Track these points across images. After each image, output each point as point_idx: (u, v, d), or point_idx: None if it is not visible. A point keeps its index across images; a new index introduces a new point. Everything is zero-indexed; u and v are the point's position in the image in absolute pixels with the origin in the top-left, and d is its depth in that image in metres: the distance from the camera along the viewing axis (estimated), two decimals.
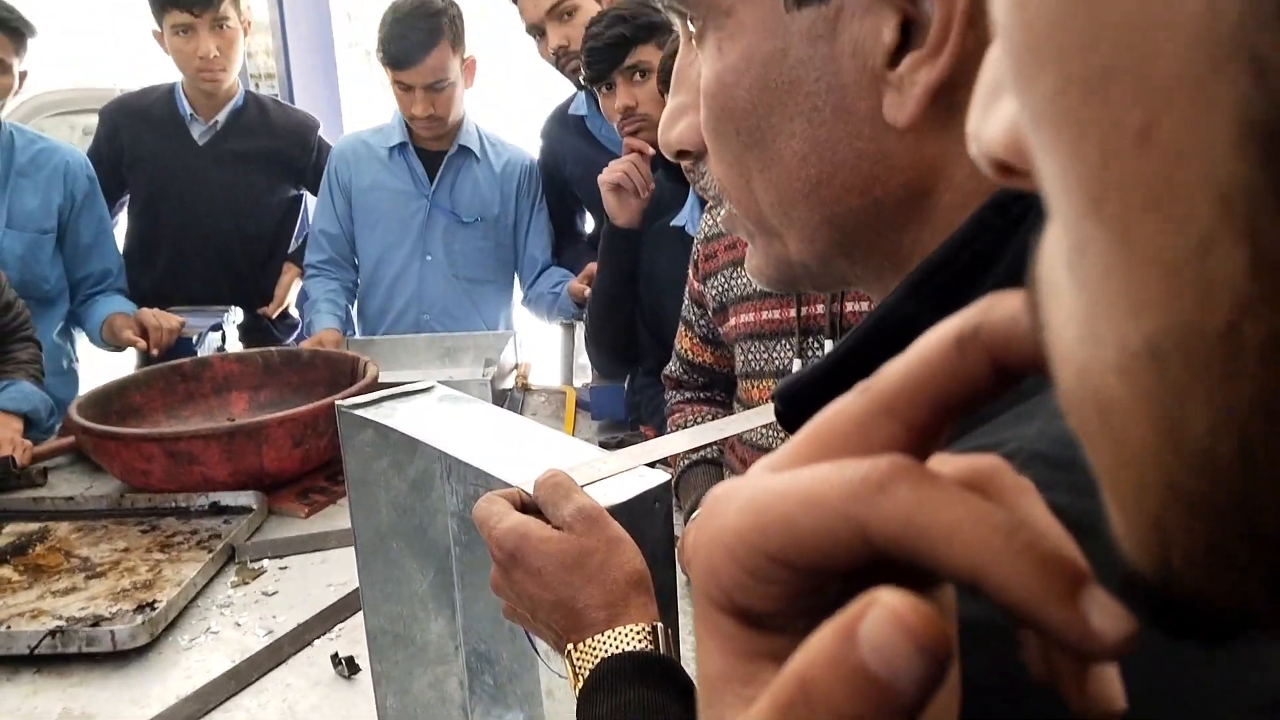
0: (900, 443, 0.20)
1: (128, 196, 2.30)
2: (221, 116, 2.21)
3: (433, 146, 2.14)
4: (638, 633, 0.56)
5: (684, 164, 0.49)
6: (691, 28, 0.43)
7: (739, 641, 0.21)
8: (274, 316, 2.28)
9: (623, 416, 1.81)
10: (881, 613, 0.17)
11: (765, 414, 0.77)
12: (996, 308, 0.19)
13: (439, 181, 2.14)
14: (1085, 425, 0.16)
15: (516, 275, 2.26)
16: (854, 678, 0.17)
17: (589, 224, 2.28)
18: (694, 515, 1.33)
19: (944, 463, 0.22)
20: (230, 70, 2.16)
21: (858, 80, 0.38)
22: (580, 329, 2.09)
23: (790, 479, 0.20)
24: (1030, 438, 0.31)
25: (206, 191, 2.22)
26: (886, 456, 0.19)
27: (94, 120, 2.35)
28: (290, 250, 2.33)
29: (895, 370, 0.21)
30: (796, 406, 0.42)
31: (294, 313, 2.40)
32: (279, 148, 2.27)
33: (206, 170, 2.21)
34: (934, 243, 0.39)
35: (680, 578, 0.85)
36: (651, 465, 0.75)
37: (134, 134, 2.22)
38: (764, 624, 0.21)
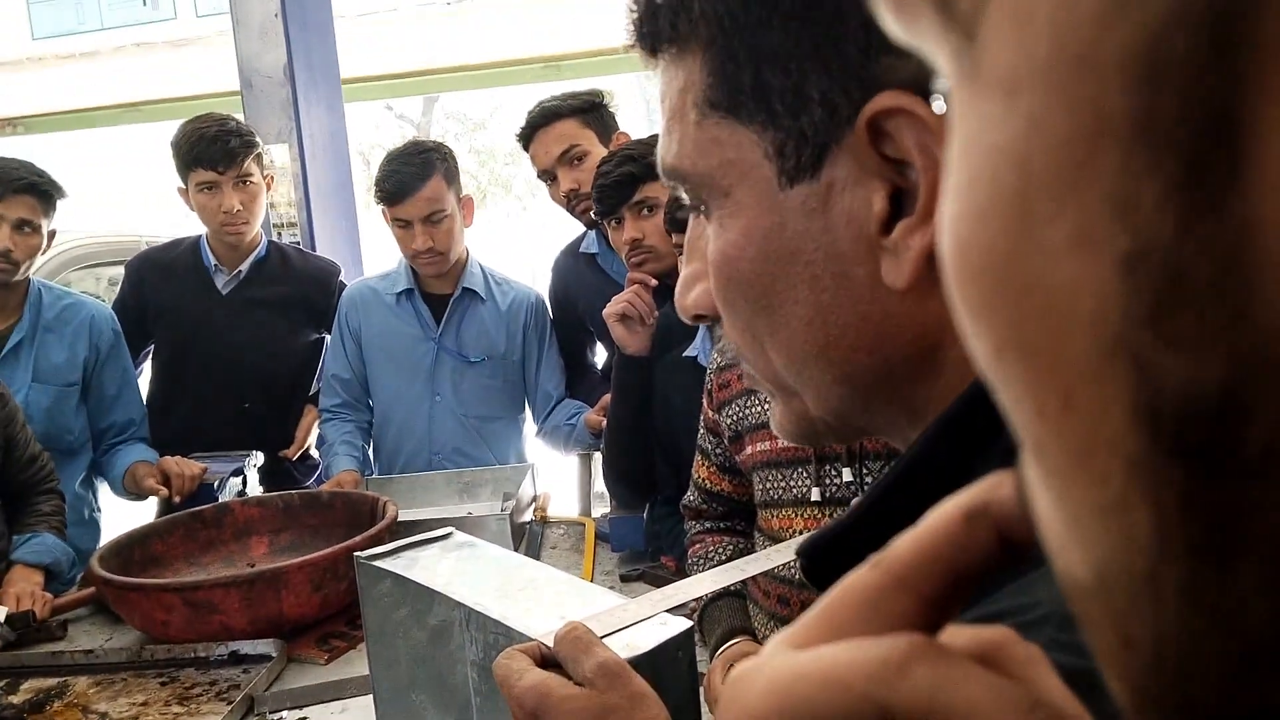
0: (913, 616, 0.21)
1: (152, 346, 2.35)
2: (245, 266, 2.28)
3: (438, 290, 2.20)
4: None
5: (702, 324, 0.51)
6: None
7: None
8: (295, 458, 2.30)
9: (643, 547, 1.80)
10: None
11: (785, 552, 0.77)
12: (1003, 485, 0.20)
13: (445, 324, 2.19)
14: (1073, 608, 0.17)
15: (530, 409, 2.28)
16: None
17: (600, 357, 2.31)
18: (719, 651, 1.31)
19: (955, 634, 0.22)
20: (253, 223, 2.24)
21: (854, 248, 0.40)
22: (597, 459, 2.10)
23: (810, 659, 0.21)
24: (1043, 600, 0.31)
25: (230, 338, 2.26)
26: (904, 636, 0.20)
27: (119, 272, 2.42)
28: (311, 392, 2.37)
29: (906, 544, 0.21)
30: (821, 560, 0.43)
31: (315, 454, 2.41)
32: (301, 293, 2.33)
33: (230, 318, 2.27)
34: (948, 395, 0.40)
35: (706, 717, 0.83)
36: (673, 610, 0.74)
37: (159, 286, 2.28)
38: None
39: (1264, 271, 0.12)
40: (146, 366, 2.38)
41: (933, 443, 0.39)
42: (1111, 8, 0.13)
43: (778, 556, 0.74)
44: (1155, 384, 0.13)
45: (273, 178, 2.28)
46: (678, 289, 0.50)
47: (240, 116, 2.45)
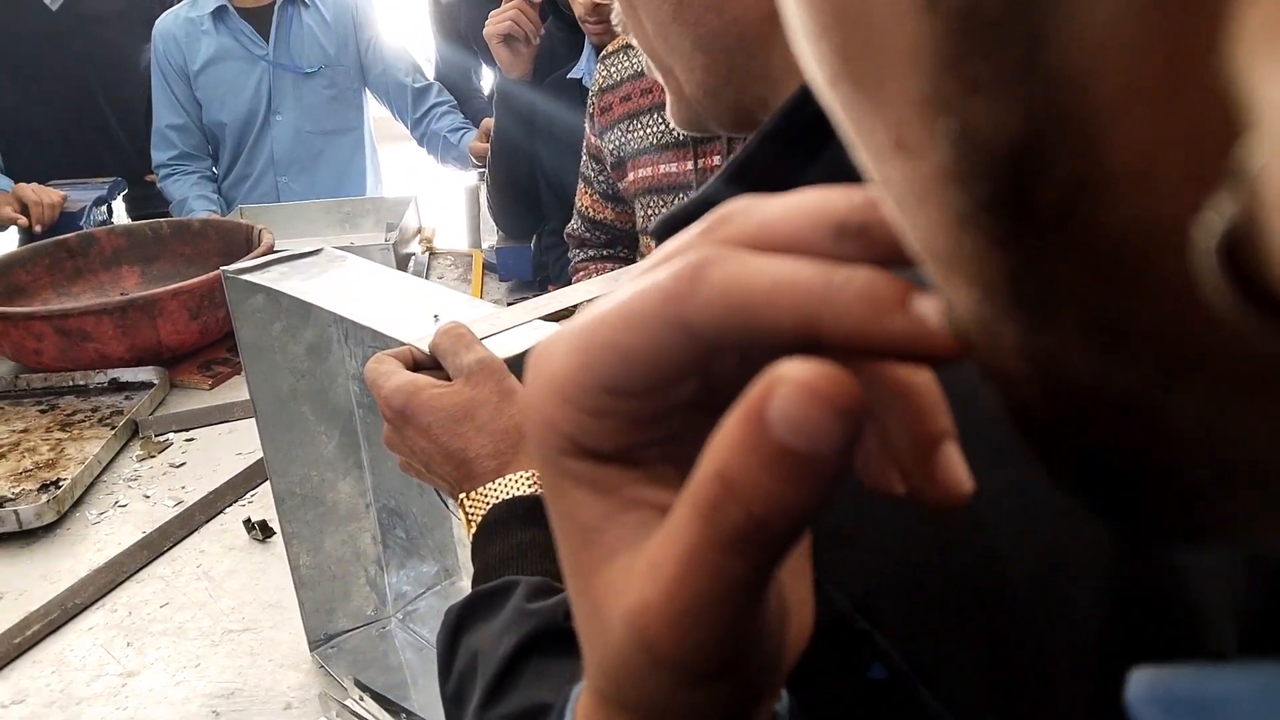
0: None
1: None
2: None
3: (254, 3, 2.04)
4: (527, 478, 0.58)
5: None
6: None
7: (602, 478, 0.20)
8: (160, 183, 2.20)
9: (530, 276, 1.81)
10: (789, 389, 0.16)
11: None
12: (878, 207, 0.18)
13: (274, 38, 2.06)
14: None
15: (391, 110, 2.21)
16: (776, 460, 0.16)
17: (487, 81, 2.22)
18: None
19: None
20: None
21: None
22: (484, 190, 2.06)
23: (608, 302, 0.19)
24: None
25: (71, 62, 2.10)
26: (695, 249, 0.19)
27: None
28: None
29: (753, 222, 0.19)
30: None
31: None
32: (137, 3, 2.14)
33: (66, 37, 2.09)
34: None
35: None
36: (553, 318, 0.75)
37: None
38: (621, 459, 0.20)
39: (1054, 9, 0.11)
40: None
41: (771, 136, 0.39)
42: None
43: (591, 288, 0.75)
44: (965, 131, 0.12)
45: None
46: None
47: None
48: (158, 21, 2.08)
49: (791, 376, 0.16)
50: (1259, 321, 0.10)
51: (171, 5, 2.18)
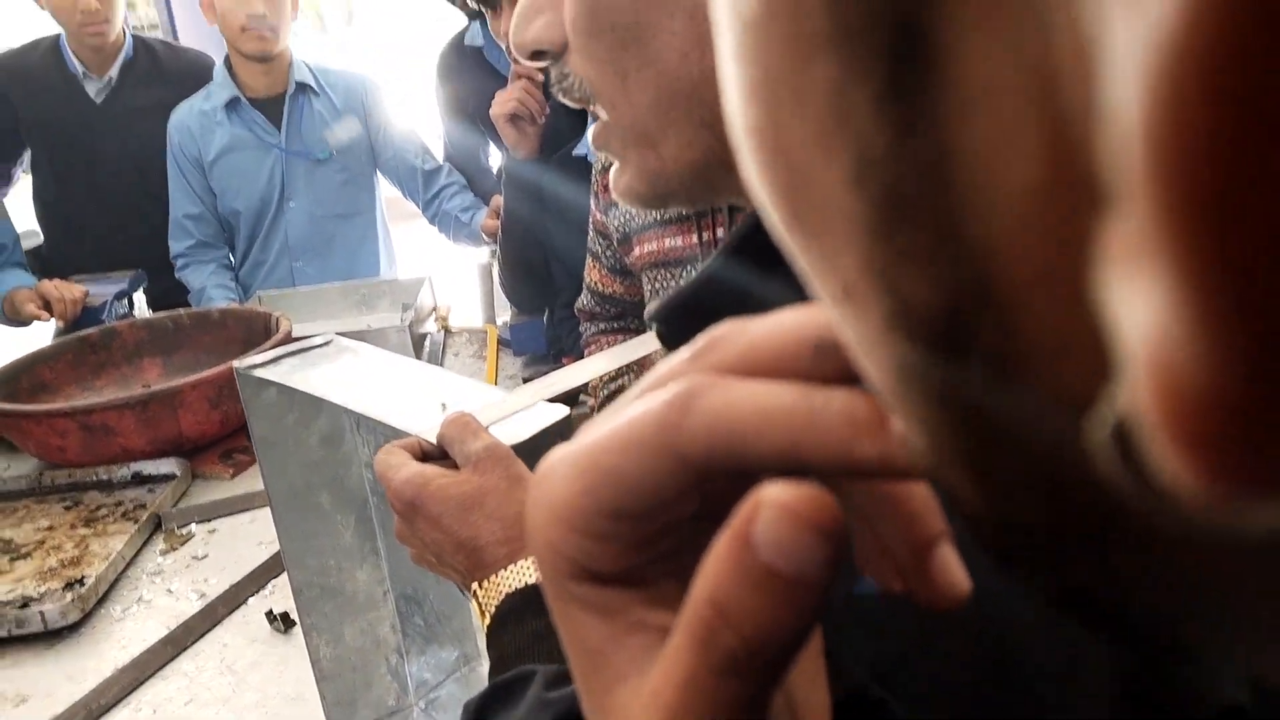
0: None
1: (28, 156, 2.20)
2: (115, 71, 2.13)
3: (265, 92, 2.10)
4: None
5: (540, 64, 0.47)
6: None
7: (606, 601, 0.21)
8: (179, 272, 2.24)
9: (544, 350, 1.82)
10: (771, 512, 0.17)
11: (651, 342, 0.79)
12: None
13: (286, 126, 2.11)
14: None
15: (402, 191, 2.25)
16: (764, 582, 0.17)
17: (495, 159, 2.26)
18: None
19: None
20: (114, 20, 2.07)
21: None
22: (496, 267, 2.09)
23: (606, 429, 0.20)
24: None
25: (110, 152, 2.14)
26: (685, 376, 0.19)
27: None
28: None
29: (738, 347, 0.20)
30: (675, 325, 0.43)
31: None
32: (178, 94, 2.18)
33: (108, 130, 2.13)
34: None
35: None
36: (561, 399, 0.76)
37: (26, 95, 2.12)
38: (624, 580, 0.21)
39: (965, 195, 0.11)
40: (25, 183, 2.24)
41: (748, 232, 0.39)
42: None
43: (653, 342, 0.76)
44: (898, 296, 0.13)
45: None
46: (514, 21, 0.45)
47: None
48: (173, 114, 2.12)
49: (774, 500, 0.17)
50: (1151, 502, 0.10)
51: None
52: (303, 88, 2.11)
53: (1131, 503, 0.11)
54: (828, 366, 0.19)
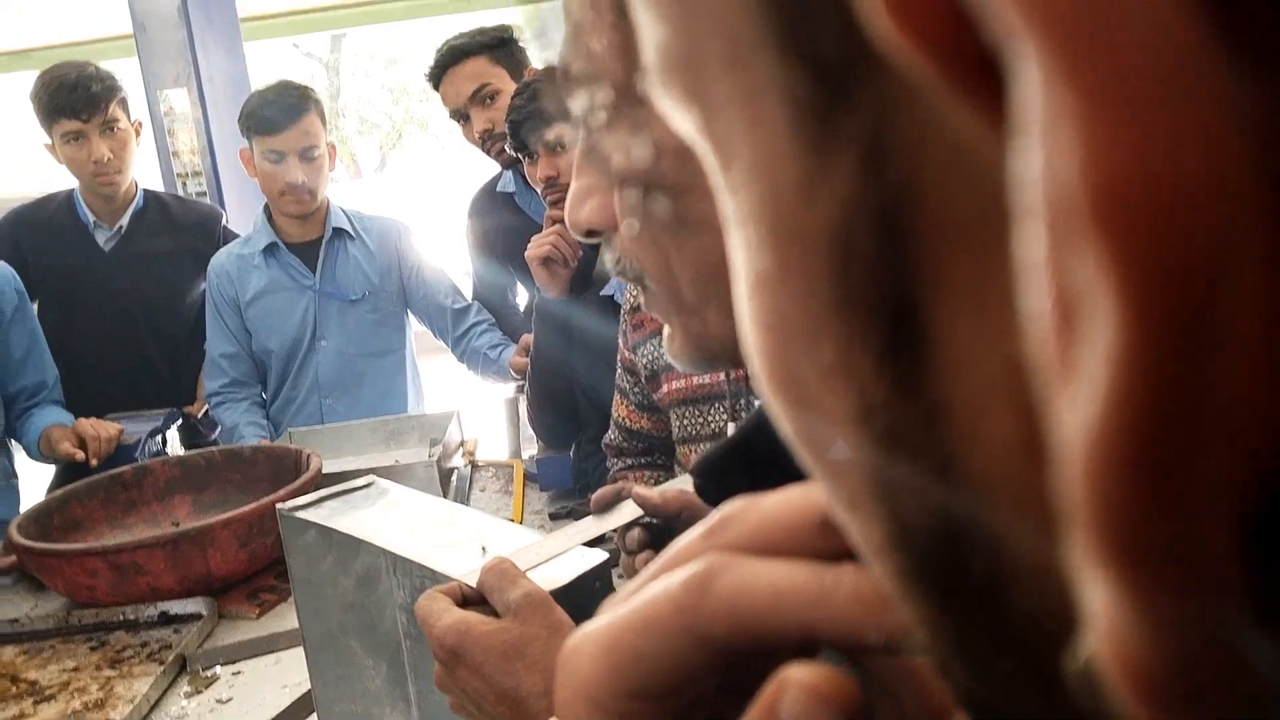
0: None
1: (37, 304, 2.29)
2: (125, 220, 2.24)
3: (300, 238, 2.19)
4: None
5: (593, 241, 0.50)
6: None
7: None
8: (200, 415, 2.29)
9: (571, 485, 1.83)
10: (795, 692, 0.18)
11: (686, 483, 0.80)
12: None
13: (321, 270, 2.19)
14: None
15: (432, 330, 2.31)
16: None
17: (522, 298, 2.32)
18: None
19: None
20: (126, 172, 2.19)
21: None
22: (523, 402, 2.12)
23: (627, 609, 0.21)
24: None
25: (119, 297, 2.23)
26: (701, 558, 0.20)
27: None
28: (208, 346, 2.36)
29: (751, 525, 0.21)
30: (714, 479, 0.45)
31: None
32: (188, 244, 2.29)
33: (117, 275, 2.23)
34: None
35: None
36: (594, 543, 0.77)
37: (37, 246, 2.22)
38: None
39: (957, 440, 0.13)
40: None
41: None
42: (808, 188, 0.13)
43: (685, 484, 0.77)
44: (899, 518, 0.14)
45: (140, 124, 2.24)
46: (569, 203, 0.49)
47: (135, 61, 2.36)
48: (213, 259, 2.22)
49: (797, 680, 0.18)
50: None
51: (216, 241, 2.33)
52: (339, 233, 2.20)
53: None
54: (834, 541, 0.20)
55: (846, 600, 0.19)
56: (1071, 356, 0.09)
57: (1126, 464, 0.09)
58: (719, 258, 0.43)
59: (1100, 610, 0.10)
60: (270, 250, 2.17)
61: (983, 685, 0.16)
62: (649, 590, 0.21)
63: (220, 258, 2.21)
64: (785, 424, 0.17)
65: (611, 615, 0.21)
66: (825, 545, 0.20)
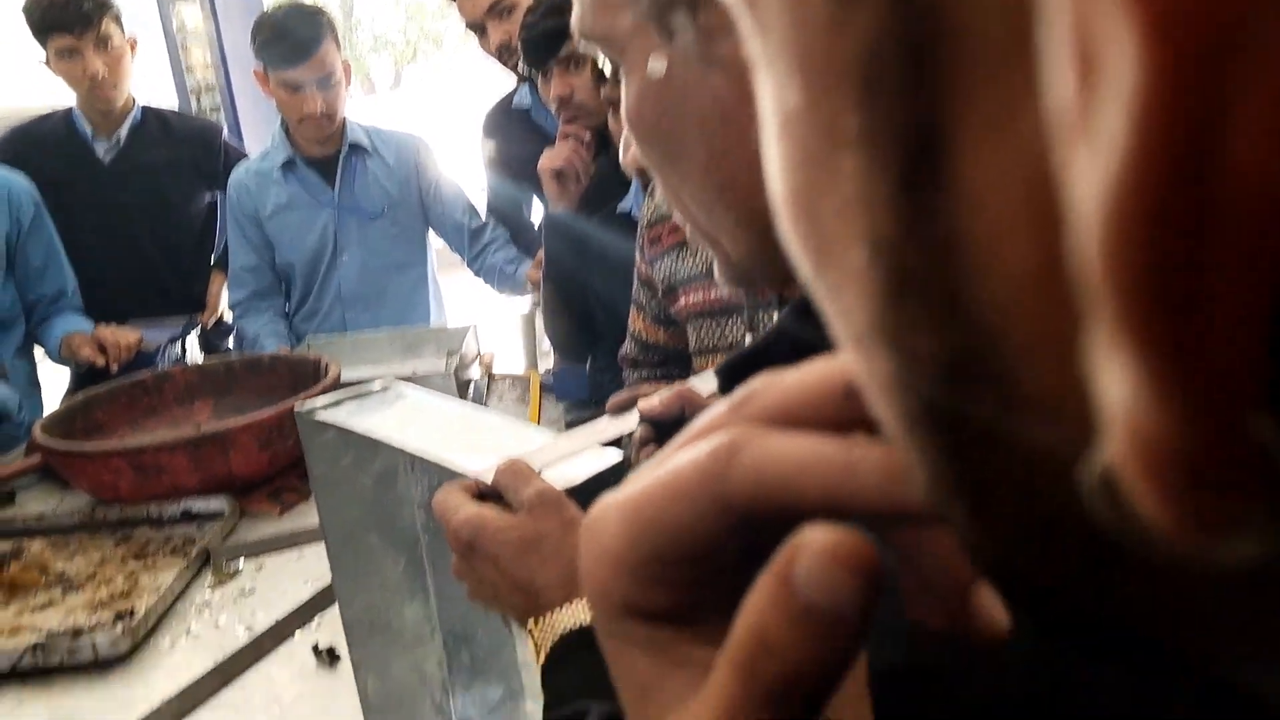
0: None
1: None
2: (123, 132, 2.25)
3: (319, 153, 2.18)
4: None
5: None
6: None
7: (655, 639, 0.22)
8: (210, 325, 2.32)
9: (586, 397, 1.85)
10: (810, 553, 0.18)
11: (707, 381, 0.81)
12: None
13: (340, 184, 2.19)
14: None
15: (449, 245, 2.32)
16: (804, 618, 0.18)
17: (536, 214, 2.31)
18: None
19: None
20: (122, 86, 2.20)
21: (735, 91, 0.41)
22: (540, 314, 2.13)
23: (652, 479, 0.21)
24: None
25: (121, 209, 2.24)
26: (728, 429, 0.21)
27: None
28: (214, 257, 2.38)
29: (774, 393, 0.22)
30: (738, 383, 0.46)
31: (229, 317, 2.43)
32: (188, 155, 2.30)
33: (116, 188, 2.24)
34: None
35: None
36: (609, 444, 0.78)
37: (39, 161, 2.23)
38: (672, 618, 0.22)
39: (969, 276, 0.13)
40: None
41: None
42: (838, 16, 0.13)
43: (702, 384, 0.78)
44: (906, 355, 0.15)
45: (135, 41, 2.23)
46: (621, 145, 0.52)
47: None
48: (232, 174, 2.23)
49: (813, 542, 0.18)
50: (1138, 540, 0.12)
51: (216, 154, 2.34)
52: (356, 148, 2.19)
53: (1120, 539, 0.12)
54: (858, 409, 0.20)
55: (874, 472, 0.19)
56: (1091, 113, 0.09)
57: (1145, 218, 0.09)
58: (708, 190, 0.45)
59: (1120, 402, 0.10)
60: (288, 166, 2.17)
61: (985, 526, 0.16)
62: (674, 460, 0.21)
63: (239, 173, 2.22)
64: (804, 267, 0.18)
65: (635, 484, 0.22)
66: (850, 412, 0.20)
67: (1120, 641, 0.16)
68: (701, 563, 0.21)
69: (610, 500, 0.22)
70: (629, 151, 0.50)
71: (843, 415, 0.21)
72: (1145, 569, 0.13)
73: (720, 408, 0.23)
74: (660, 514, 0.21)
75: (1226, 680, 0.16)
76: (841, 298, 0.16)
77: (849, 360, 0.20)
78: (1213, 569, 0.11)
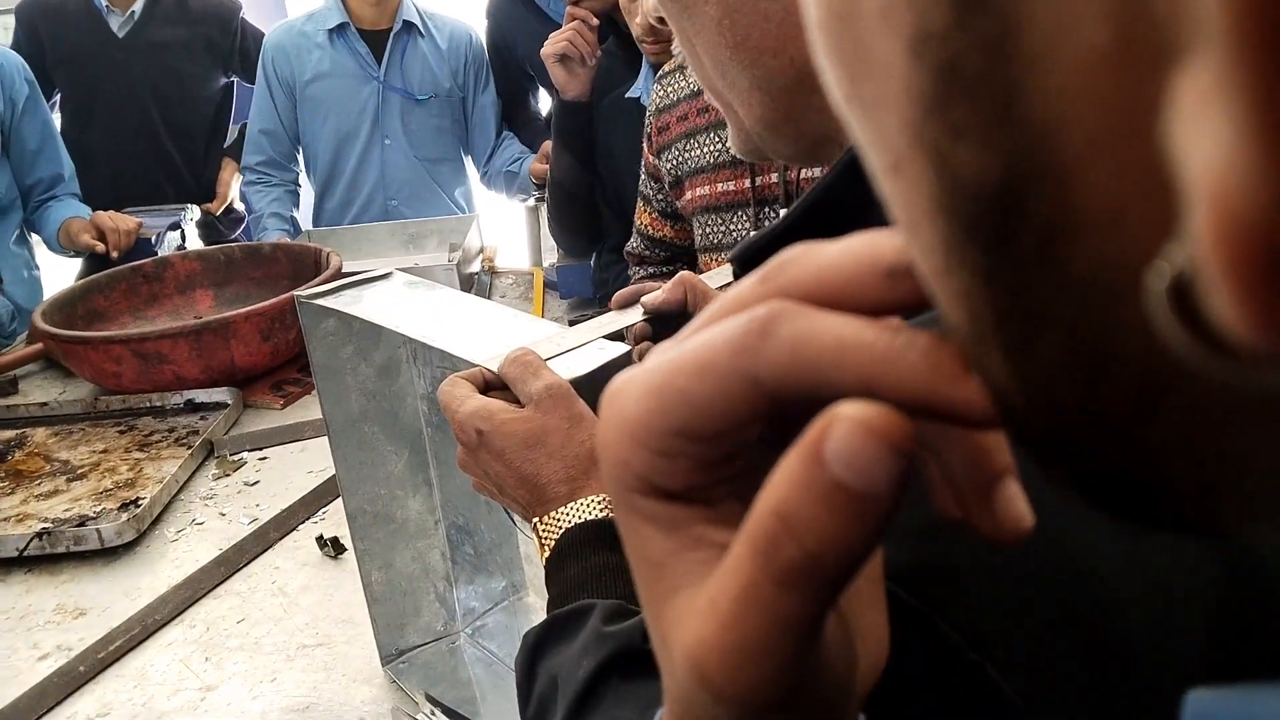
0: None
1: (59, 96, 2.25)
2: (138, 7, 2.17)
3: (371, 24, 2.09)
4: (598, 502, 0.58)
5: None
6: None
7: (670, 516, 0.21)
8: (218, 213, 2.28)
9: (590, 293, 1.83)
10: (847, 425, 0.17)
11: (722, 276, 0.79)
12: None
13: (388, 61, 2.10)
14: None
15: (469, 153, 2.25)
16: (831, 496, 0.17)
17: (544, 105, 2.25)
18: None
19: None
20: None
21: None
22: (544, 211, 2.09)
23: (679, 351, 0.20)
24: None
25: (134, 86, 2.18)
26: (764, 303, 0.19)
27: (8, 20, 2.29)
28: (227, 143, 2.31)
29: (809, 271, 0.20)
30: (753, 268, 0.44)
31: (239, 207, 2.38)
32: (203, 34, 2.23)
33: (130, 63, 2.18)
34: None
35: None
36: (614, 337, 0.76)
37: (53, 32, 2.17)
38: (689, 497, 0.21)
39: (1027, 68, 0.11)
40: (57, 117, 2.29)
41: (851, 165, 0.40)
42: None
43: (715, 279, 0.76)
44: (949, 170, 0.13)
45: None
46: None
47: None
48: (269, 33, 2.14)
49: (848, 415, 0.17)
50: (1206, 358, 0.10)
51: (233, 33, 2.26)
52: (409, 27, 2.10)
53: (1183, 364, 0.11)
54: (900, 290, 0.19)
55: (918, 361, 0.18)
56: None
57: None
58: (721, 46, 0.43)
59: (1212, 170, 0.09)
60: (339, 31, 2.07)
61: (1021, 374, 0.15)
62: (702, 335, 0.20)
63: (278, 33, 2.11)
64: (837, 90, 0.16)
65: (660, 357, 0.20)
66: (891, 294, 0.19)
67: (1150, 505, 0.15)
68: (724, 441, 0.20)
69: (633, 374, 0.21)
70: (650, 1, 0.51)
71: (885, 295, 0.19)
72: (1195, 408, 0.12)
73: (750, 280, 0.21)
74: (687, 387, 0.20)
75: (1254, 543, 0.15)
76: (878, 115, 0.15)
77: (893, 237, 0.19)
78: None
